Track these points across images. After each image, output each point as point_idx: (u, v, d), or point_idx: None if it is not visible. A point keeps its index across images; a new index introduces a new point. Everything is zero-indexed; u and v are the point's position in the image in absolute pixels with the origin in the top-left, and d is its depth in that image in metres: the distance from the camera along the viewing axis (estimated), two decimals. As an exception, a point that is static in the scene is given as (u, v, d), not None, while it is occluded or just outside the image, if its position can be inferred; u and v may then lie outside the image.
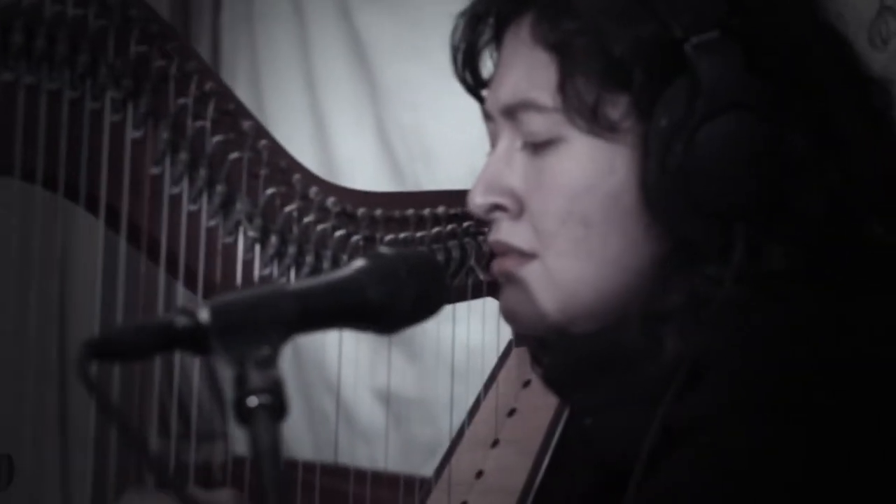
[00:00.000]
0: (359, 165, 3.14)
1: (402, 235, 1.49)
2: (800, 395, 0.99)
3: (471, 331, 1.53)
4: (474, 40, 1.18)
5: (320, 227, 1.44)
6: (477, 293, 1.53)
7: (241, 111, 1.42)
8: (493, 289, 1.19)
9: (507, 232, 1.14)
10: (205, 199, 1.40)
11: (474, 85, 1.21)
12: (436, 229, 1.52)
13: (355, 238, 1.46)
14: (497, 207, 1.14)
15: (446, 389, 1.59)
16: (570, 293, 1.11)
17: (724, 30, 1.04)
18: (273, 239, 1.43)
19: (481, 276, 1.52)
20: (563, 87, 1.09)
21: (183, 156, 1.38)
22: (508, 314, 1.16)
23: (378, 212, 1.48)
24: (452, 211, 1.51)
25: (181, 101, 1.37)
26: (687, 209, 1.04)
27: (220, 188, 1.40)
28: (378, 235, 1.48)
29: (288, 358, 3.23)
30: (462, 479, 1.56)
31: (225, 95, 1.41)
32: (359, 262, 0.97)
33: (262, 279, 1.41)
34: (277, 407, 0.84)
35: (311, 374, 3.07)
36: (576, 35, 1.08)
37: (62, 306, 2.51)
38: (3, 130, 1.29)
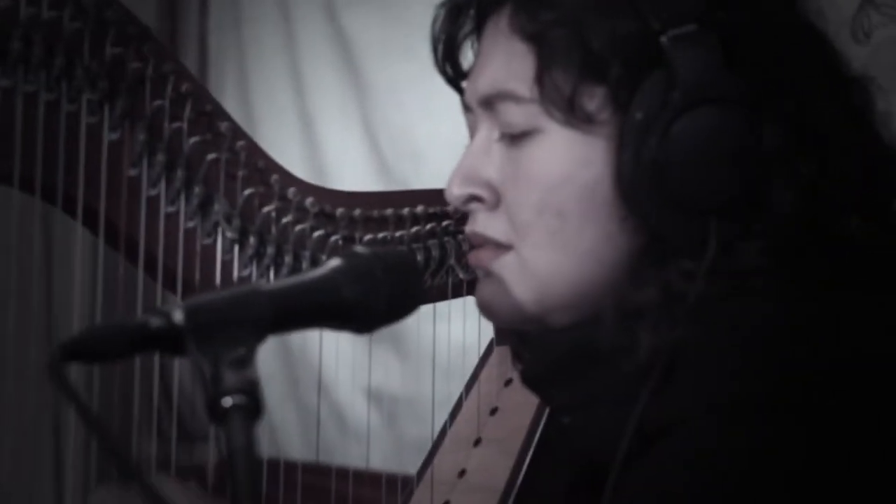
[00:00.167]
0: (347, 165, 3.15)
1: (381, 235, 1.50)
2: (774, 392, 0.99)
3: (465, 329, 1.54)
4: (454, 32, 1.18)
5: (299, 227, 1.44)
6: (457, 292, 1.54)
7: (219, 112, 1.41)
8: (472, 288, 1.19)
9: (483, 223, 1.13)
10: (183, 200, 1.39)
11: (454, 76, 1.20)
12: (415, 228, 1.52)
13: (334, 238, 1.46)
14: (474, 198, 1.14)
15: (437, 388, 1.59)
16: (545, 285, 1.10)
17: (702, 23, 1.04)
18: (252, 240, 1.43)
19: (461, 275, 1.52)
20: (541, 78, 1.08)
21: (160, 157, 1.37)
22: (484, 306, 1.16)
23: (357, 212, 1.48)
24: (432, 210, 1.51)
25: (158, 102, 1.37)
26: (661, 203, 1.04)
27: (197, 189, 1.40)
28: (357, 235, 1.48)
29: (278, 357, 3.24)
30: (445, 479, 1.56)
31: (202, 96, 1.40)
32: (334, 262, 0.97)
33: (241, 280, 1.41)
34: (252, 407, 0.84)
35: (301, 374, 3.07)
36: (554, 26, 1.08)
37: (49, 309, 2.50)
38: (-20, 134, 1.29)
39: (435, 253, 1.53)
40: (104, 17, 1.33)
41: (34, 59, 1.30)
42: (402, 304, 1.00)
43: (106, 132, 1.35)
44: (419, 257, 1.51)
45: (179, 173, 1.39)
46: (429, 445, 1.64)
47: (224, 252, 1.42)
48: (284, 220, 1.44)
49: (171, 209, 1.39)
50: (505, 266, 1.12)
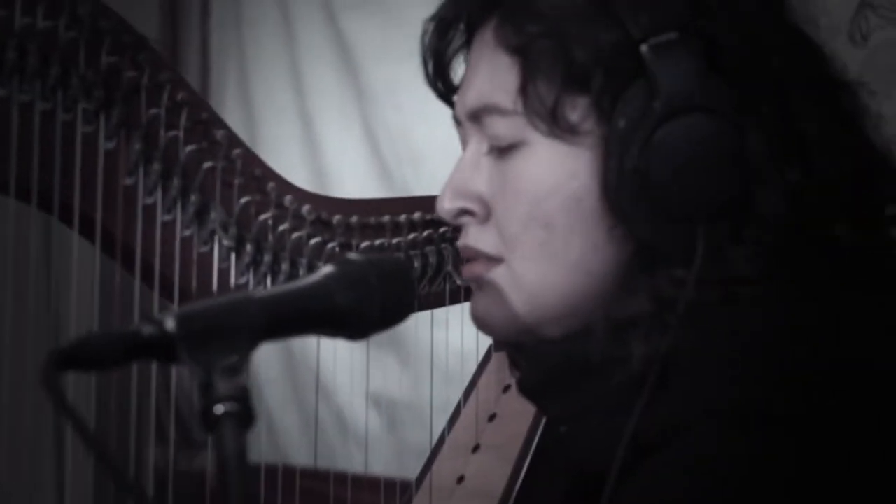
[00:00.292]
0: (346, 165, 3.16)
1: (378, 242, 1.50)
2: (773, 398, 0.99)
3: (462, 335, 1.54)
4: (444, 47, 1.18)
5: (295, 234, 1.44)
6: (455, 299, 1.54)
7: (215, 120, 1.41)
8: (470, 294, 1.19)
9: (474, 237, 1.14)
10: (179, 208, 1.39)
11: (445, 91, 1.21)
12: (412, 235, 1.52)
13: (331, 245, 1.47)
14: (465, 212, 1.14)
15: (437, 393, 1.60)
16: (536, 296, 1.11)
17: (683, 31, 1.04)
18: (248, 247, 1.43)
19: (458, 282, 1.52)
20: (525, 90, 1.08)
21: (156, 166, 1.38)
22: (478, 319, 1.16)
23: (354, 218, 1.48)
24: (429, 216, 1.51)
25: (153, 111, 1.37)
26: (647, 212, 1.04)
27: (194, 197, 1.40)
28: (354, 242, 1.48)
29: (280, 362, 3.24)
30: (444, 485, 1.56)
31: (198, 105, 1.40)
32: (327, 269, 0.97)
33: (238, 288, 1.41)
34: (244, 415, 0.84)
35: (305, 379, 3.08)
36: (537, 38, 1.08)
37: (47, 317, 2.50)
38: (-24, 144, 1.29)
39: (432, 259, 1.53)
40: (99, 26, 1.33)
41: (29, 69, 1.30)
42: (395, 310, 1.00)
43: (102, 141, 1.35)
44: (416, 264, 1.51)
45: (176, 182, 1.39)
46: (429, 451, 1.64)
47: (221, 260, 1.42)
48: (281, 227, 1.44)
49: (167, 217, 1.39)
50: (496, 279, 1.12)
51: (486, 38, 1.12)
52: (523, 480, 1.48)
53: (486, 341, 1.70)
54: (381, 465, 1.92)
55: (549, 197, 1.08)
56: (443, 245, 1.53)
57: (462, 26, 1.18)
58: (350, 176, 3.14)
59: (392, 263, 1.03)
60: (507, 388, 1.64)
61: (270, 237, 1.44)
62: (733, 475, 0.97)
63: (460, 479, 1.56)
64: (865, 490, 0.98)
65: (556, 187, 1.08)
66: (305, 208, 1.46)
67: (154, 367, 1.26)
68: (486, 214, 1.13)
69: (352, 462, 2.32)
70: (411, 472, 1.62)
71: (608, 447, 1.03)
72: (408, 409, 2.73)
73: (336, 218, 1.47)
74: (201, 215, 1.41)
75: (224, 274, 1.42)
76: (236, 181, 1.42)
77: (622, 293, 1.08)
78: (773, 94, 1.05)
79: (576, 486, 1.18)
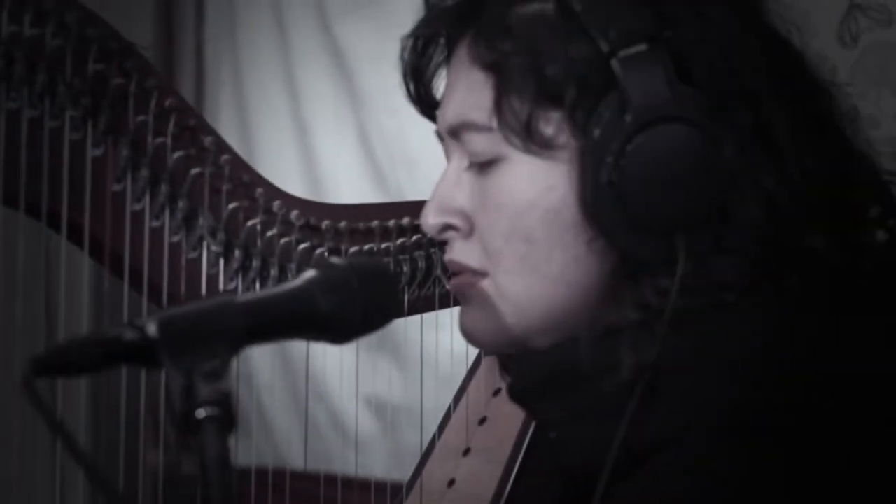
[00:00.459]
0: (342, 172, 3.16)
1: (367, 247, 1.50)
2: (769, 401, 0.99)
3: (452, 339, 1.54)
4: (424, 64, 1.19)
5: (284, 240, 1.45)
6: (444, 303, 1.54)
7: (202, 126, 1.42)
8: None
9: (459, 251, 1.14)
10: (167, 214, 1.40)
11: (427, 108, 1.21)
12: (401, 240, 1.53)
13: (320, 250, 1.47)
14: (449, 227, 1.14)
15: (433, 396, 1.60)
16: (521, 309, 1.11)
17: (652, 42, 1.04)
18: (237, 253, 1.43)
19: (448, 286, 1.52)
20: (499, 106, 1.09)
21: (144, 172, 1.38)
22: (467, 332, 1.17)
23: (342, 223, 1.49)
24: (417, 222, 1.51)
25: (141, 118, 1.37)
26: (624, 223, 1.04)
27: (182, 203, 1.40)
28: (343, 247, 1.48)
29: (277, 366, 3.23)
30: (434, 488, 1.56)
31: (185, 111, 1.41)
32: (309, 273, 0.98)
33: (227, 293, 1.41)
34: (226, 419, 0.84)
35: (301, 384, 3.08)
36: (510, 55, 1.08)
37: (46, 324, 2.51)
38: (-37, 152, 1.30)
39: (421, 264, 1.53)
40: (86, 34, 1.34)
41: (16, 77, 1.31)
42: (377, 314, 1.00)
43: (89, 148, 1.36)
44: (406, 268, 1.52)
45: (164, 188, 1.39)
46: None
47: (209, 266, 1.43)
48: (269, 233, 1.45)
49: (155, 223, 1.40)
50: (482, 292, 1.12)
51: (462, 55, 1.13)
52: (513, 484, 1.48)
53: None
54: (375, 467, 1.92)
55: (529, 211, 1.08)
56: (432, 250, 1.53)
57: (442, 41, 1.18)
58: (345, 180, 3.14)
59: (374, 267, 1.03)
60: (497, 392, 1.64)
61: (259, 243, 1.44)
62: (724, 484, 0.97)
63: (451, 483, 1.56)
64: (863, 493, 0.98)
65: (535, 201, 1.08)
66: (294, 214, 1.46)
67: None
68: (469, 229, 1.13)
69: (347, 464, 2.31)
70: (405, 474, 1.62)
71: (598, 453, 1.03)
72: (401, 412, 2.73)
73: (325, 223, 1.47)
74: (189, 221, 1.41)
75: (213, 280, 1.42)
76: (224, 187, 1.42)
77: (608, 303, 1.08)
78: (745, 101, 1.05)
79: (566, 491, 1.19)
